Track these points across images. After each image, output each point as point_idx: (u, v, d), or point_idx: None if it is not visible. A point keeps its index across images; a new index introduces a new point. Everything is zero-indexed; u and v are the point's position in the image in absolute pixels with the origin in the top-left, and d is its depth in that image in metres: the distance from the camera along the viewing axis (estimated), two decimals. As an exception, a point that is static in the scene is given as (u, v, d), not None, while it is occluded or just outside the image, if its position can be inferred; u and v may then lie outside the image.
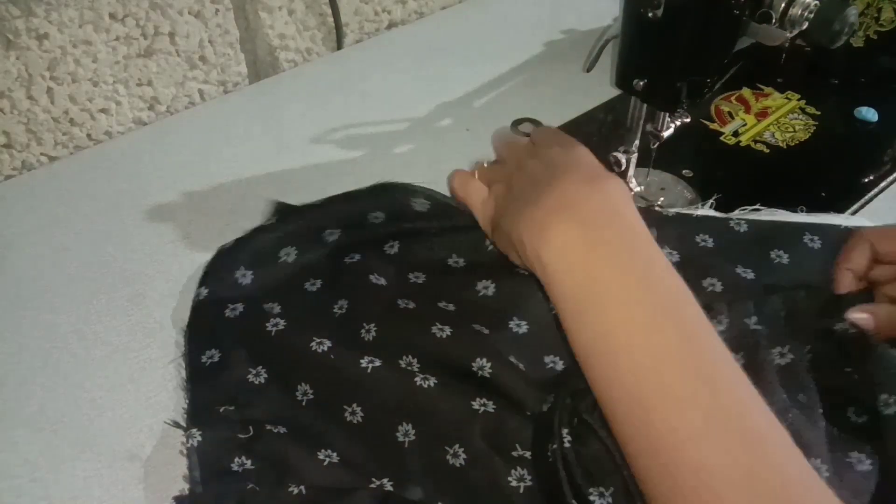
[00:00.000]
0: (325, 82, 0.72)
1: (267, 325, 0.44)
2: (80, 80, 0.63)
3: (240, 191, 0.59)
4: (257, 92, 0.72)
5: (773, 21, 0.41)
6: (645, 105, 0.49)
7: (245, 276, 0.47)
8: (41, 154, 0.64)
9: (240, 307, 0.45)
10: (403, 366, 0.41)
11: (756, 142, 0.61)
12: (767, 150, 0.60)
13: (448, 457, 0.38)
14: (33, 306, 0.50)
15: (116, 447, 0.42)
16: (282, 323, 0.44)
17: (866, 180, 0.56)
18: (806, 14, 0.40)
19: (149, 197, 0.59)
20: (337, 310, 0.45)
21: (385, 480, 0.37)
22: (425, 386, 0.40)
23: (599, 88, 0.67)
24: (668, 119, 0.50)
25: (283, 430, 0.40)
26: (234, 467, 0.38)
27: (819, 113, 0.63)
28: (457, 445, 0.38)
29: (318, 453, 0.39)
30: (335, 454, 0.39)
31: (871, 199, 0.55)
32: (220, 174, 0.61)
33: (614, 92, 0.67)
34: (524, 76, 0.72)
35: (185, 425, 0.41)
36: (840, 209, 0.53)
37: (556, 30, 0.79)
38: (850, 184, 0.56)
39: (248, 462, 0.38)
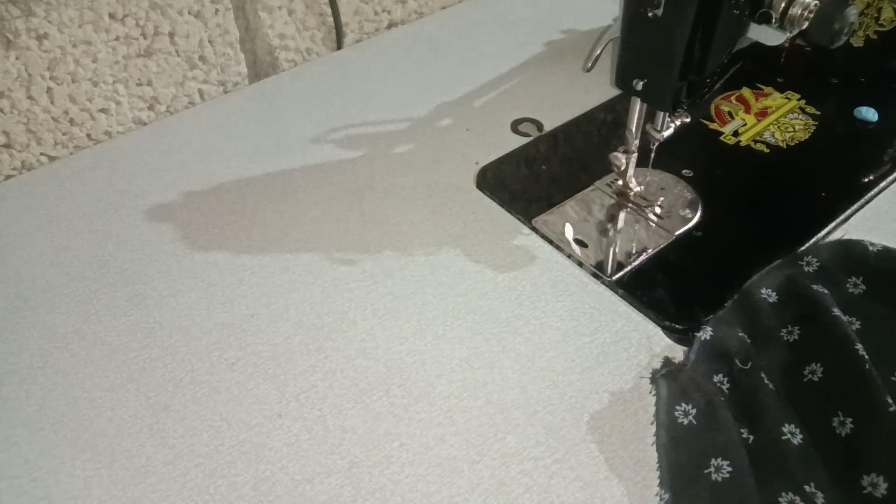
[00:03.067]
0: (325, 82, 0.72)
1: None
2: (79, 80, 0.63)
3: (240, 191, 0.59)
4: (257, 92, 0.72)
5: (773, 21, 0.41)
6: (645, 105, 0.49)
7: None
8: (41, 154, 0.64)
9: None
10: None
11: (756, 142, 0.61)
12: (767, 150, 0.60)
13: None
14: (33, 306, 0.50)
15: (116, 447, 0.42)
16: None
17: (866, 180, 0.56)
18: (806, 14, 0.40)
19: (149, 197, 0.59)
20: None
21: None
22: None
23: (599, 88, 0.68)
24: (668, 119, 0.50)
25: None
26: (715, 380, 0.42)
27: (819, 113, 0.63)
28: None
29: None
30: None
31: (871, 199, 0.55)
32: (220, 174, 0.61)
33: (614, 92, 0.67)
34: (524, 76, 0.72)
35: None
36: (840, 209, 0.53)
37: (556, 30, 0.79)
38: (850, 184, 0.56)
39: (727, 385, 0.42)
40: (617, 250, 0.52)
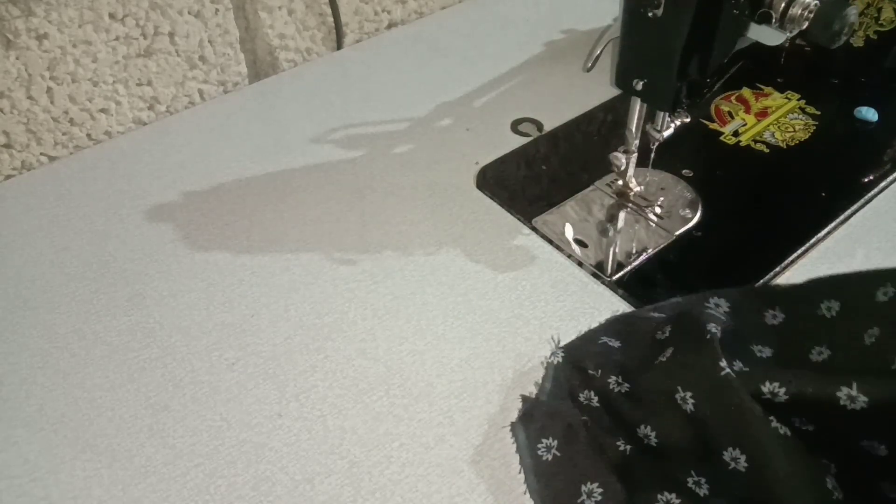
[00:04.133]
0: (325, 82, 0.72)
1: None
2: (79, 80, 0.63)
3: (240, 191, 0.59)
4: (257, 92, 0.72)
5: (773, 21, 0.41)
6: (645, 105, 0.49)
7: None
8: (41, 154, 0.64)
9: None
10: None
11: (756, 142, 0.61)
12: (767, 150, 0.60)
13: None
14: (33, 306, 0.50)
15: (116, 447, 0.42)
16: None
17: (866, 180, 0.56)
18: (806, 14, 0.40)
19: (149, 197, 0.59)
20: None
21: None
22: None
23: (599, 88, 0.67)
24: (668, 119, 0.50)
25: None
26: (581, 399, 0.42)
27: (819, 113, 0.63)
28: None
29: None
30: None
31: (871, 199, 0.55)
32: (220, 174, 0.61)
33: (614, 92, 0.67)
34: (524, 76, 0.72)
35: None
36: (840, 209, 0.53)
37: (556, 30, 0.79)
38: (850, 184, 0.56)
39: (595, 399, 0.41)
40: (617, 250, 0.52)
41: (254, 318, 0.49)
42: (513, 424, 0.42)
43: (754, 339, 0.43)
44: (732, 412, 0.37)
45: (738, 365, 0.40)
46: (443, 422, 0.42)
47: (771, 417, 0.36)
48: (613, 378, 0.42)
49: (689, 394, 0.38)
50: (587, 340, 0.45)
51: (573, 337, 0.46)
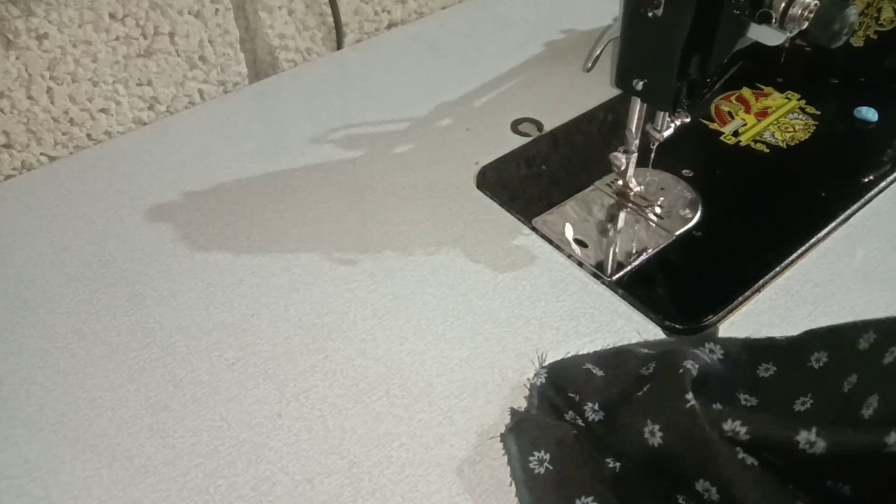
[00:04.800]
0: (325, 82, 0.72)
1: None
2: (79, 80, 0.63)
3: (240, 191, 0.59)
4: (257, 92, 0.72)
5: (773, 21, 0.41)
6: (645, 105, 0.49)
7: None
8: (41, 154, 0.64)
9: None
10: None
11: (756, 142, 0.61)
12: (767, 150, 0.60)
13: None
14: (33, 306, 0.50)
15: (116, 447, 0.42)
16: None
17: (866, 180, 0.56)
18: (806, 14, 0.40)
19: (149, 197, 0.59)
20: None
21: None
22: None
23: (599, 88, 0.67)
24: (668, 119, 0.50)
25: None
26: (567, 418, 0.42)
27: (819, 113, 0.63)
28: None
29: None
30: None
31: (871, 199, 0.55)
32: (220, 174, 0.61)
33: (614, 92, 0.67)
34: (524, 76, 0.72)
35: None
36: (840, 209, 0.54)
37: (556, 30, 0.79)
38: (850, 184, 0.56)
39: (579, 419, 0.41)
40: (617, 250, 0.52)
41: (254, 318, 0.49)
42: (503, 436, 0.41)
43: (743, 390, 0.43)
44: (698, 443, 0.37)
45: (717, 406, 0.40)
46: (443, 422, 0.42)
47: (737, 449, 0.36)
48: (590, 405, 0.41)
49: (657, 426, 0.38)
50: (571, 364, 0.45)
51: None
